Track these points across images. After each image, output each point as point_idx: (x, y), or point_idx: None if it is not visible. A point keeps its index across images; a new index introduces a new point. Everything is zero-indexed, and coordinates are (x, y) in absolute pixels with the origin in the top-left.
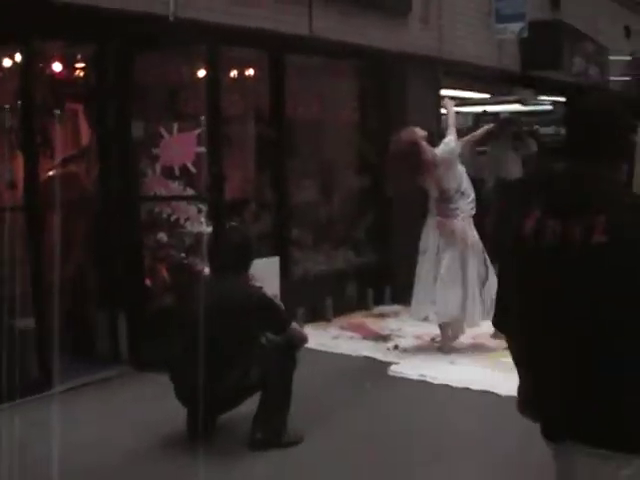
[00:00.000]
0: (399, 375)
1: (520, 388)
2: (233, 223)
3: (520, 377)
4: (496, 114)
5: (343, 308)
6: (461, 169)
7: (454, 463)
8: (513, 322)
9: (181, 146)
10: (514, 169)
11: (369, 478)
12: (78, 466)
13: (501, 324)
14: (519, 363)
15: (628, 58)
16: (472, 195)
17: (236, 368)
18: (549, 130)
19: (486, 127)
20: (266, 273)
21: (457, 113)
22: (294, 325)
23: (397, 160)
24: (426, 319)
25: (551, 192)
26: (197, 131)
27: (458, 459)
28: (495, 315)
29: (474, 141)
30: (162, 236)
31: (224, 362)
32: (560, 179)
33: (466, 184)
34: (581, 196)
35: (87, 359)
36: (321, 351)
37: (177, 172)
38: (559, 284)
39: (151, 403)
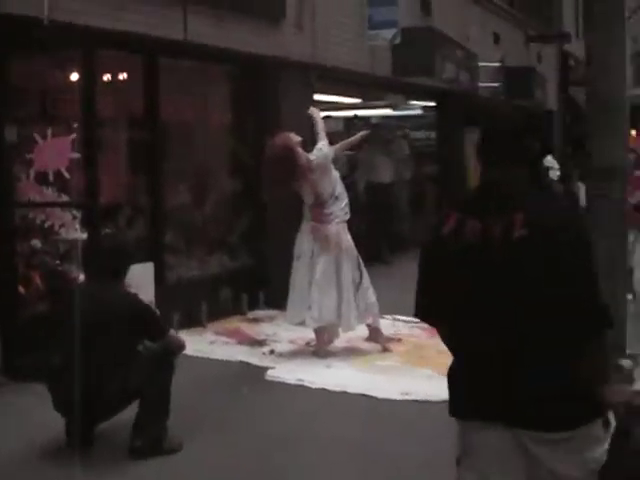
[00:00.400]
0: (276, 380)
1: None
2: (108, 230)
3: (453, 365)
4: (367, 118)
5: (218, 313)
6: (335, 174)
7: (335, 467)
8: (440, 314)
9: (55, 151)
10: (385, 172)
11: None
12: None
13: (424, 315)
14: (452, 350)
15: (497, 65)
16: (346, 200)
17: (114, 376)
18: (419, 134)
19: (362, 133)
20: (141, 279)
21: (328, 117)
22: (171, 332)
23: (272, 165)
24: (302, 324)
25: (469, 195)
26: (71, 136)
27: (338, 463)
28: (417, 308)
29: (350, 146)
30: (36, 243)
31: (101, 370)
32: (477, 184)
33: (340, 189)
34: (498, 197)
35: None
36: (197, 357)
37: (51, 178)
38: (483, 278)
39: (27, 413)
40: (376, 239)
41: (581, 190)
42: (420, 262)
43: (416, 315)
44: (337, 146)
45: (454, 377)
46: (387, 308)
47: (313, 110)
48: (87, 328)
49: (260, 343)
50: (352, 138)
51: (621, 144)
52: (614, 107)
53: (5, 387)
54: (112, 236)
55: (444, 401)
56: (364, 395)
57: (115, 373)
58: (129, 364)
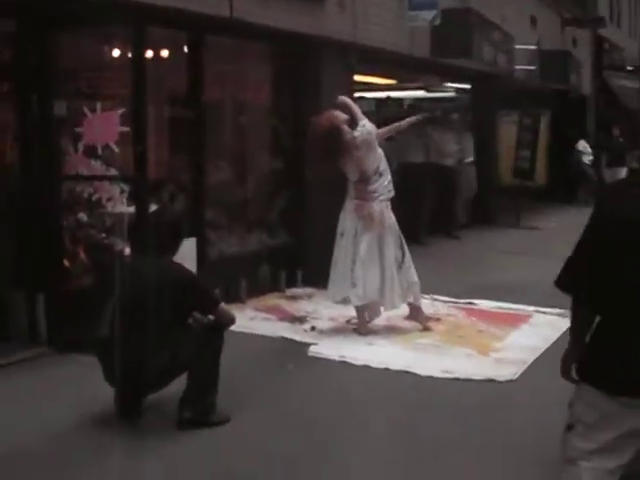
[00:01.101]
0: (319, 356)
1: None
2: (154, 205)
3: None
4: (399, 100)
5: (256, 290)
6: (380, 151)
7: (378, 443)
8: (603, 287)
9: (104, 125)
10: (417, 154)
11: (297, 459)
12: None
13: (568, 286)
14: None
15: (533, 47)
16: (389, 177)
17: (165, 348)
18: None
19: (413, 118)
20: (184, 254)
21: (361, 98)
22: (222, 305)
23: (318, 143)
24: (343, 301)
25: None
26: (120, 110)
27: (382, 439)
28: (562, 278)
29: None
30: (82, 216)
31: (153, 342)
32: None
33: (384, 165)
34: None
35: (1, 341)
36: (239, 332)
37: (100, 151)
38: None
39: (73, 385)
40: (411, 220)
41: (606, 174)
42: (596, 233)
43: (563, 284)
44: (384, 130)
45: (603, 349)
46: (425, 288)
47: (342, 98)
48: (140, 300)
49: (300, 320)
50: (400, 123)
51: None
52: None
53: (50, 358)
54: (167, 211)
55: (485, 379)
56: (407, 372)
57: (166, 345)
58: (179, 336)
